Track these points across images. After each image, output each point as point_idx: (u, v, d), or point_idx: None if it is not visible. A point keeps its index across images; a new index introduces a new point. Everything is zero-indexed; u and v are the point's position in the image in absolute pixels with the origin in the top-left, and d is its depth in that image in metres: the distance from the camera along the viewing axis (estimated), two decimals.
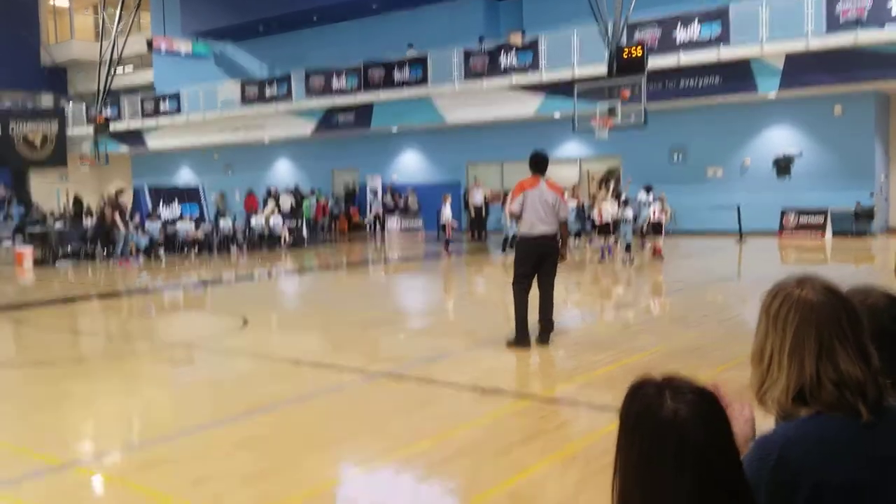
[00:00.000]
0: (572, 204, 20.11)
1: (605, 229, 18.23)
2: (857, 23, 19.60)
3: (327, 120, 30.08)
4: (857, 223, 21.93)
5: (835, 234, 21.85)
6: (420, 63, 27.11)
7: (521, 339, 8.46)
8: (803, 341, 1.67)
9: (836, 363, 1.65)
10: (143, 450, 5.53)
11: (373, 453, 5.23)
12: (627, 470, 1.53)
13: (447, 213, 20.57)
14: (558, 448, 5.29)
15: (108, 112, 32.04)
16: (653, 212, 18.42)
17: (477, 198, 25.52)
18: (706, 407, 1.51)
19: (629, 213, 18.03)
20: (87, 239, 22.14)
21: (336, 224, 31.41)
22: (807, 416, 1.66)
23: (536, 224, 8.40)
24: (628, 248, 17.51)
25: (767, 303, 1.77)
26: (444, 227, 20.75)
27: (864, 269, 15.93)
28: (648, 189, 19.38)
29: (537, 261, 8.52)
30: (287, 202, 29.54)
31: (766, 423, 1.87)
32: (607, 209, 18.20)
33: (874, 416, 1.64)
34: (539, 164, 8.66)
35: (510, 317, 8.67)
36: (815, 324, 1.68)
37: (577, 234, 21.06)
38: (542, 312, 8.62)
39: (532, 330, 8.58)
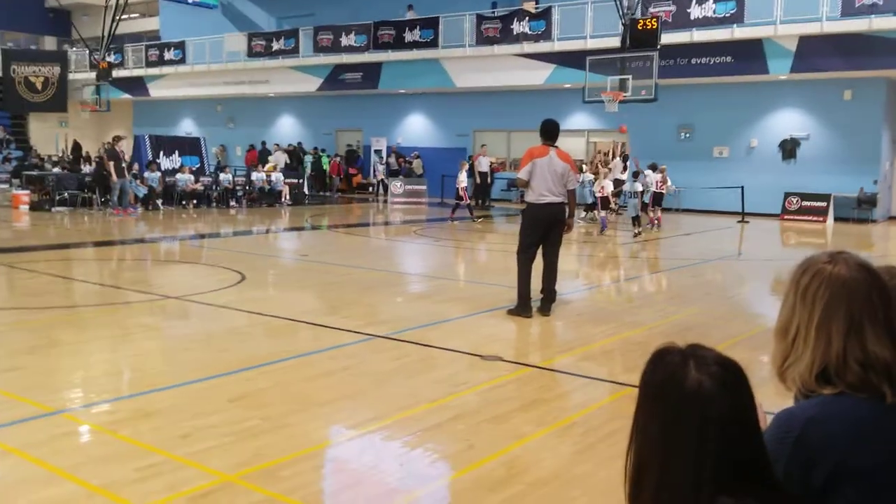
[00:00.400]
0: (590, 177, 20.28)
1: (606, 202, 18.53)
2: (872, 8, 19.33)
3: (334, 78, 29.72)
4: (860, 210, 21.82)
5: (836, 219, 21.75)
6: (432, 25, 26.74)
7: (522, 308, 8.38)
8: (832, 318, 1.63)
9: (864, 343, 1.62)
10: (132, 401, 5.45)
11: (367, 416, 5.15)
12: (646, 440, 1.49)
13: (462, 179, 20.46)
14: (556, 418, 5.21)
15: (111, 58, 31.63)
16: (655, 183, 18.72)
17: (483, 165, 25.32)
18: (731, 378, 1.47)
19: (637, 186, 18.13)
20: (84, 186, 21.93)
21: (339, 183, 31.25)
22: (830, 395, 1.62)
23: (545, 193, 8.28)
24: (636, 220, 17.56)
25: (797, 277, 1.71)
26: (457, 191, 20.60)
27: (864, 255, 15.84)
28: (654, 168, 19.34)
29: (544, 230, 8.44)
30: (281, 159, 29.25)
31: (785, 401, 1.80)
32: (608, 185, 18.56)
33: None
34: (550, 132, 8.54)
35: (513, 285, 8.58)
36: (846, 301, 1.64)
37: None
38: (546, 282, 8.55)
39: (534, 300, 8.50)
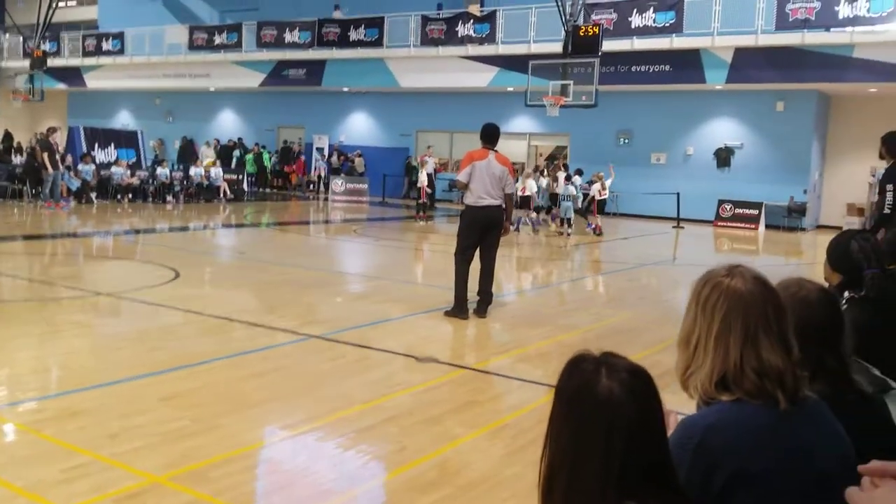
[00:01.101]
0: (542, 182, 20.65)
1: (526, 202, 18.80)
2: (805, 23, 20.00)
3: (277, 74, 29.44)
4: (790, 218, 22.52)
5: (767, 227, 22.42)
6: (376, 24, 26.70)
7: (459, 309, 8.48)
8: (730, 328, 1.72)
9: (759, 352, 1.71)
10: (59, 399, 5.33)
11: (300, 417, 5.14)
12: (558, 445, 1.57)
13: (423, 177, 20.94)
14: (488, 420, 5.28)
15: (46, 47, 30.76)
16: (597, 191, 18.98)
17: (429, 166, 25.38)
18: (640, 386, 1.55)
19: (571, 189, 18.49)
20: (15, 177, 21.29)
21: (281, 181, 30.98)
22: (728, 402, 1.71)
23: (483, 196, 8.40)
24: (568, 222, 18.12)
25: (698, 289, 1.81)
26: (419, 190, 21.11)
27: (792, 262, 16.37)
28: (580, 172, 20.04)
29: (482, 232, 8.54)
30: (209, 156, 28.63)
31: (688, 407, 1.88)
32: (531, 184, 18.96)
33: (791, 406, 1.70)
34: (490, 136, 8.67)
35: (451, 286, 8.64)
36: (742, 312, 1.73)
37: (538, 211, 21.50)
38: (483, 284, 8.65)
39: (471, 301, 8.58)
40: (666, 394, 2.08)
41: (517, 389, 6.15)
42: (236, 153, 30.33)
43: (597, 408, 1.51)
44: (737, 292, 1.74)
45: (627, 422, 1.50)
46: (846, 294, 3.09)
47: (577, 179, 19.62)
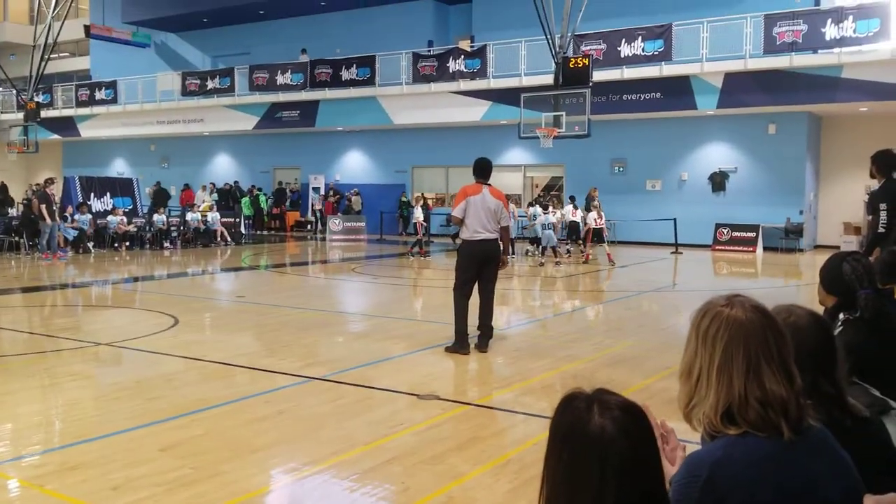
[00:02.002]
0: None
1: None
2: (792, 46, 20.21)
3: (270, 116, 29.66)
4: (787, 239, 22.54)
5: (765, 249, 22.44)
6: (368, 63, 26.96)
7: (460, 344, 8.47)
8: (732, 359, 1.71)
9: (762, 381, 1.70)
10: (60, 453, 5.28)
11: (304, 461, 5.09)
12: (554, 481, 1.59)
13: (419, 214, 21.32)
14: (492, 456, 5.23)
15: (39, 98, 31.01)
16: (594, 220, 19.21)
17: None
18: (631, 423, 1.56)
19: (550, 218, 19.06)
20: (11, 229, 21.32)
21: (278, 222, 31.06)
22: (734, 435, 1.70)
23: (479, 230, 8.45)
24: (553, 250, 18.80)
25: (697, 321, 1.80)
26: (415, 226, 21.59)
27: (792, 284, 16.36)
28: (573, 199, 20.77)
29: (479, 266, 8.59)
30: (201, 198, 28.84)
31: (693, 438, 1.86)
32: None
33: (795, 436, 1.69)
34: (483, 170, 8.74)
35: (451, 322, 8.62)
36: (744, 342, 1.72)
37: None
38: (483, 318, 8.67)
39: (472, 336, 8.56)
40: (672, 421, 2.06)
41: (520, 424, 6.10)
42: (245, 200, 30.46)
43: (589, 445, 1.53)
44: (737, 321, 1.73)
45: (620, 459, 1.51)
46: (841, 316, 3.08)
47: (567, 209, 19.96)
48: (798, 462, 1.68)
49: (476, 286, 8.69)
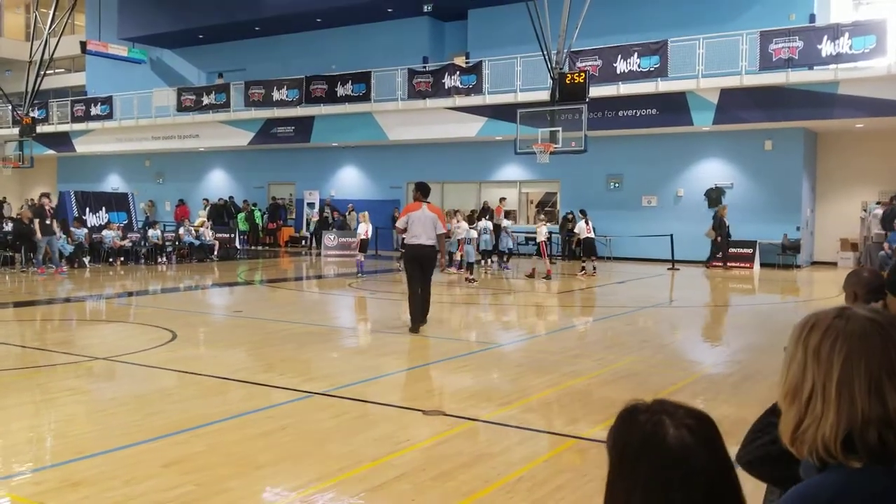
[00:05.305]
0: (489, 225, 21.68)
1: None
2: (788, 62, 20.28)
3: (266, 131, 29.62)
4: (784, 255, 22.52)
5: (762, 265, 22.40)
6: (363, 79, 26.97)
7: (412, 323, 10.74)
8: (853, 374, 1.54)
9: (885, 399, 1.53)
10: (60, 469, 5.15)
11: (308, 478, 4.97)
12: (632, 501, 1.43)
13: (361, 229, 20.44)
14: (502, 473, 5.11)
15: (35, 114, 30.93)
16: (583, 230, 19.39)
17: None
18: (707, 430, 1.46)
19: (472, 234, 19.47)
20: (7, 244, 21.15)
21: (272, 238, 30.93)
22: (857, 467, 1.51)
23: (418, 235, 10.66)
24: (469, 266, 18.82)
25: (804, 336, 1.61)
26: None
27: (790, 300, 16.31)
28: (584, 214, 20.36)
29: (417, 265, 10.75)
30: (199, 213, 28.83)
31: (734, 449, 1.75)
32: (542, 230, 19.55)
33: None
34: (423, 190, 11.19)
35: (449, 336, 8.56)
36: (865, 356, 1.55)
37: (491, 254, 22.18)
38: (421, 307, 10.75)
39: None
40: None
41: (529, 440, 6.00)
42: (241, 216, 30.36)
43: (671, 457, 1.40)
44: (854, 334, 1.57)
45: (705, 470, 1.40)
46: None
47: (580, 225, 19.98)
48: None
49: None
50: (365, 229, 19.89)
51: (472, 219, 20.55)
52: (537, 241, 19.77)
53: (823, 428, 1.54)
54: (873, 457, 1.50)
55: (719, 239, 22.24)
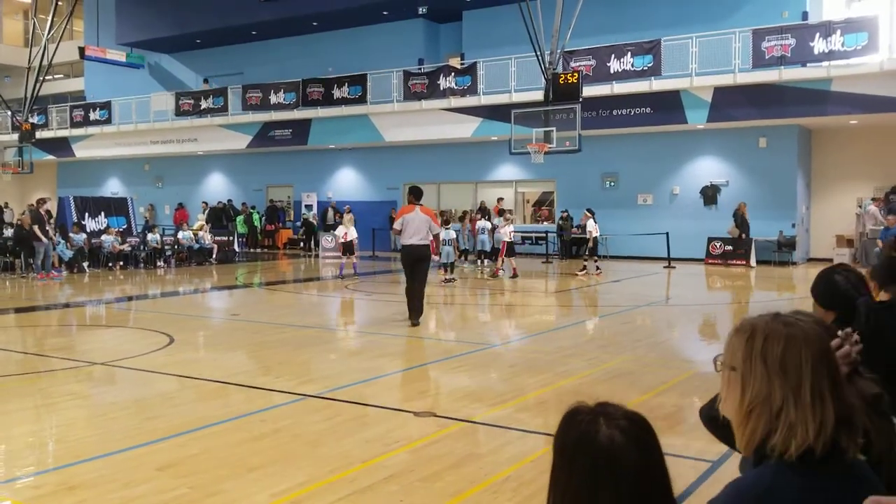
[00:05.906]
0: (487, 225, 22.08)
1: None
2: (781, 60, 20.39)
3: (263, 135, 29.76)
4: (780, 253, 22.63)
5: (758, 262, 22.50)
6: (359, 82, 27.10)
7: (410, 317, 11.56)
8: (822, 379, 1.59)
9: (844, 396, 1.59)
10: (58, 473, 5.28)
11: (300, 480, 5.10)
12: (564, 498, 1.55)
13: (340, 231, 20.55)
14: (489, 473, 5.24)
15: (34, 119, 31.07)
16: (509, 234, 19.30)
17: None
18: (639, 431, 1.54)
19: (451, 234, 18.82)
20: (6, 250, 21.28)
21: (269, 240, 31.05)
22: (791, 463, 1.56)
23: (413, 236, 11.39)
24: (447, 267, 18.37)
25: (757, 347, 1.62)
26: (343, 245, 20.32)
27: (786, 297, 16.42)
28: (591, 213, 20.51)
29: (413, 263, 11.50)
30: (198, 217, 28.98)
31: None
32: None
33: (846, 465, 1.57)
34: (415, 194, 11.89)
35: (445, 338, 8.68)
36: (826, 359, 1.61)
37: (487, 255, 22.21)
38: (415, 303, 11.50)
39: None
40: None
41: (517, 440, 6.12)
42: (240, 219, 30.45)
43: (600, 456, 1.50)
44: (810, 340, 1.61)
45: (633, 468, 1.49)
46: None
47: (590, 223, 20.11)
48: (847, 496, 1.53)
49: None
50: (343, 232, 19.62)
51: (462, 219, 20.70)
52: (501, 239, 19.69)
53: (802, 434, 1.56)
54: (829, 453, 1.55)
55: (743, 236, 22.36)
